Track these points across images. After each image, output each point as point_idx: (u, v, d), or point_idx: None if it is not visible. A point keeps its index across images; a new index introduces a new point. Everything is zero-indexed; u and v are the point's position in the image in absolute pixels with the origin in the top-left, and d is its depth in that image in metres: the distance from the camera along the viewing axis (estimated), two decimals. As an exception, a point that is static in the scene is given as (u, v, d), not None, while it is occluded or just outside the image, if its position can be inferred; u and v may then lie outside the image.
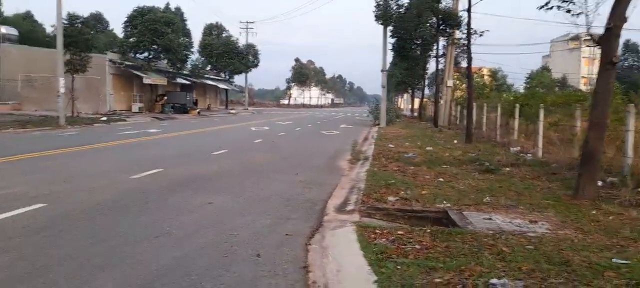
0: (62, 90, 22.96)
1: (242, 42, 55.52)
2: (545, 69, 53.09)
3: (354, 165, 11.11)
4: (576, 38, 76.60)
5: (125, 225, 5.16)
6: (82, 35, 27.04)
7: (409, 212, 6.15)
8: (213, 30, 55.38)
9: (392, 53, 36.22)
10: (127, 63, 35.50)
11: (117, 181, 7.82)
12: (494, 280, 3.61)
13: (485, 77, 46.58)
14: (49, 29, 59.41)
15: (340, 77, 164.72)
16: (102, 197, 6.55)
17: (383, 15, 26.11)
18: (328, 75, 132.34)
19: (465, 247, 4.41)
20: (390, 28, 28.08)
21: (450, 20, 24.29)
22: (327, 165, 11.03)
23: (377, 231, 4.97)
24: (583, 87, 58.72)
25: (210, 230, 5.09)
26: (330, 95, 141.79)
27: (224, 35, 55.14)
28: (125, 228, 5.00)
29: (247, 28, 59.16)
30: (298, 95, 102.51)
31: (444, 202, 6.60)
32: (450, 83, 27.59)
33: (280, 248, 4.58)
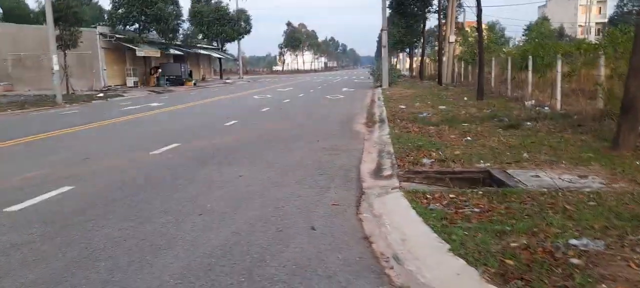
0: (56, 67, 22.31)
1: (232, 8, 54.19)
2: (544, 18, 52.22)
3: (371, 128, 10.87)
4: (572, -14, 75.77)
5: (163, 203, 4.91)
6: (70, 9, 26.12)
7: (449, 173, 5.94)
8: (202, -2, 53.83)
9: (389, 11, 35.48)
10: (118, 36, 34.54)
11: (137, 158, 7.54)
12: (573, 241, 3.42)
13: (485, 32, 45.87)
14: (32, 5, 57.90)
15: (332, 39, 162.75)
16: (129, 175, 6.29)
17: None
18: (320, 39, 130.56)
19: (526, 208, 4.21)
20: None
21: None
22: (345, 130, 10.77)
23: (428, 196, 4.76)
24: (580, 36, 58.18)
25: (251, 204, 4.86)
26: (323, 59, 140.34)
27: (213, 1, 53.67)
28: (165, 207, 4.76)
29: (237, -7, 57.65)
30: (291, 60, 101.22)
31: (481, 161, 6.38)
32: (452, 39, 27.08)
33: (332, 219, 4.37)
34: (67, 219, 4.44)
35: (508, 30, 48.81)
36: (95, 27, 33.48)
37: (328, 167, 6.68)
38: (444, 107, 14.26)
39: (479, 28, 15.61)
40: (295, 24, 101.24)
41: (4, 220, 4.51)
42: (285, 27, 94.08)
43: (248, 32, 53.92)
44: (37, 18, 45.43)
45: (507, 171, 5.69)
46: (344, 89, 28.20)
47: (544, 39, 40.75)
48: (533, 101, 14.08)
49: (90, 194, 5.35)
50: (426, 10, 32.66)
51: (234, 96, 25.16)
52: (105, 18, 45.04)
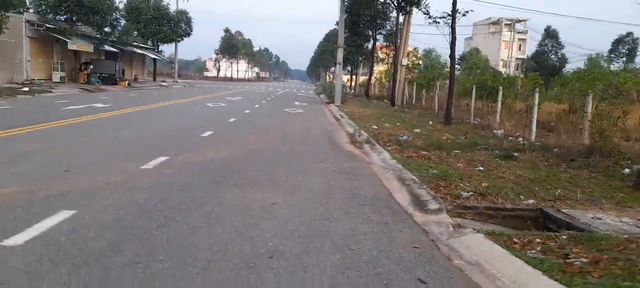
0: (-22, 54, 19.51)
1: (172, 7, 51.61)
2: (477, 50, 55.51)
3: (361, 149, 10.44)
4: (497, 22, 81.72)
5: (207, 239, 4.04)
6: (-3, -9, 23.16)
7: (501, 210, 5.61)
8: (140, -7, 50.67)
9: (337, 27, 35.59)
10: (48, 25, 31.27)
11: (131, 173, 6.43)
12: None
13: (422, 59, 47.73)
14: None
15: (266, 50, 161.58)
16: (137, 196, 5.25)
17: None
18: (255, 48, 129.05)
19: (633, 259, 3.93)
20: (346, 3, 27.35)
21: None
22: (336, 149, 10.22)
23: (516, 239, 4.36)
24: (502, 69, 62.67)
25: (319, 243, 4.16)
26: (256, 69, 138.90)
27: (152, -1, 50.71)
28: (215, 246, 3.90)
29: (177, -7, 55.12)
30: (226, 67, 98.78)
31: (521, 196, 6.15)
32: (405, 61, 27.60)
33: (426, 266, 3.81)
34: (91, 258, 3.45)
35: (442, 58, 51.05)
36: (22, 14, 29.98)
37: (359, 194, 6.09)
38: (418, 130, 14.22)
39: (451, 55, 15.86)
40: (232, 30, 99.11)
41: (10, 259, 3.42)
42: (222, 33, 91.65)
43: (188, 34, 51.52)
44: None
45: (562, 210, 5.47)
46: (296, 103, 27.64)
47: (478, 69, 43.26)
48: (502, 130, 14.50)
49: (103, 222, 4.31)
50: (377, 32, 33.18)
51: (183, 101, 23.59)
52: (27, 3, 40.88)
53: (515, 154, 9.98)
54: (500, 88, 15.05)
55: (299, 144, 10.60)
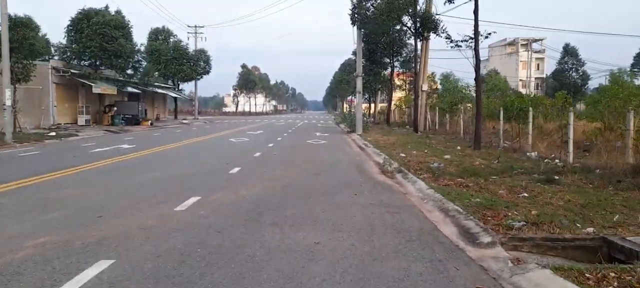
0: (8, 102, 20.05)
1: (191, 47, 52.82)
2: (495, 72, 55.06)
3: (395, 179, 10.13)
4: (512, 43, 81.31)
5: (253, 286, 3.78)
6: (26, 40, 23.91)
7: (560, 241, 5.22)
8: (159, 35, 52.10)
9: (352, 57, 35.77)
10: (73, 71, 32.14)
11: (164, 216, 6.25)
12: None
13: (436, 84, 47.49)
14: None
15: (282, 82, 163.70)
16: (175, 240, 5.04)
17: (359, 18, 25.40)
18: (271, 82, 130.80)
19: None
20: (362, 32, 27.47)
21: (428, 22, 24.02)
22: (368, 180, 9.93)
23: (588, 274, 3.98)
24: (521, 90, 61.90)
25: (372, 287, 3.85)
26: (273, 102, 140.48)
27: (171, 39, 52.04)
28: (268, 294, 3.64)
29: (195, 32, 56.52)
30: (244, 102, 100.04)
31: (577, 224, 5.75)
32: (425, 87, 27.37)
33: (496, 309, 3.46)
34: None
35: (461, 82, 50.57)
36: (48, 61, 30.93)
37: (404, 229, 5.78)
38: (448, 156, 13.84)
39: (477, 77, 15.57)
40: (248, 65, 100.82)
41: (52, 318, 3.21)
42: (239, 69, 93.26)
43: (207, 72, 52.52)
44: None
45: (628, 239, 5.06)
46: (318, 134, 27.51)
47: (498, 91, 42.70)
48: (535, 153, 14.01)
49: (144, 272, 4.09)
50: (395, 59, 33.15)
51: (206, 138, 23.70)
52: (53, 51, 42.29)
53: (556, 177, 9.52)
54: (531, 108, 14.63)
55: (330, 176, 10.34)
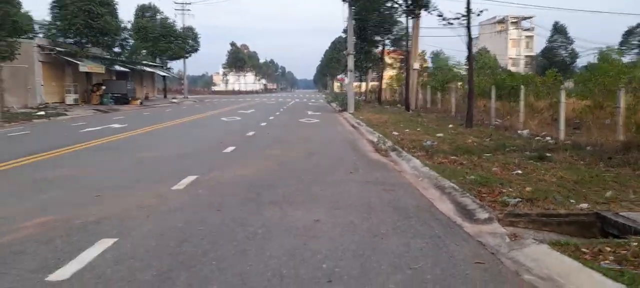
0: (-5, 81, 19.64)
1: (179, 24, 52.03)
2: (485, 50, 55.11)
3: (389, 157, 10.20)
4: (502, 21, 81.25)
5: (259, 263, 3.83)
6: (9, 17, 23.31)
7: (555, 216, 5.33)
8: (146, 12, 51.13)
9: (343, 35, 35.54)
10: (58, 49, 31.52)
11: (163, 195, 6.25)
12: None
13: (428, 61, 47.48)
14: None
15: (272, 61, 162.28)
16: (174, 219, 5.06)
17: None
18: (261, 60, 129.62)
19: None
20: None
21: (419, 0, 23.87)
22: (363, 159, 9.99)
23: (584, 249, 4.09)
24: (512, 68, 62.13)
25: (375, 265, 3.92)
26: (263, 81, 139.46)
27: (158, 17, 51.13)
28: (270, 270, 3.69)
29: (183, 10, 55.64)
30: (234, 80, 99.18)
31: (570, 200, 5.87)
32: (416, 65, 27.34)
33: (498, 284, 3.57)
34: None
35: (452, 60, 50.39)
36: (33, 39, 30.26)
37: (401, 206, 5.85)
38: (440, 134, 13.93)
39: (469, 56, 15.59)
40: (238, 44, 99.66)
41: (60, 296, 3.23)
42: (228, 47, 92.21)
43: (196, 50, 51.88)
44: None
45: (621, 214, 5.18)
46: (310, 113, 27.47)
47: (488, 69, 42.78)
48: (526, 130, 14.16)
49: (147, 250, 4.11)
50: (386, 37, 33.01)
51: (197, 117, 23.54)
52: (36, 29, 41.32)
53: (548, 155, 9.65)
54: (522, 87, 14.72)
55: (324, 155, 10.38)
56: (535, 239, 4.48)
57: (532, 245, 4.29)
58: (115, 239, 4.39)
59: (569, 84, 32.69)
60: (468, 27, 15.13)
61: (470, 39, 15.26)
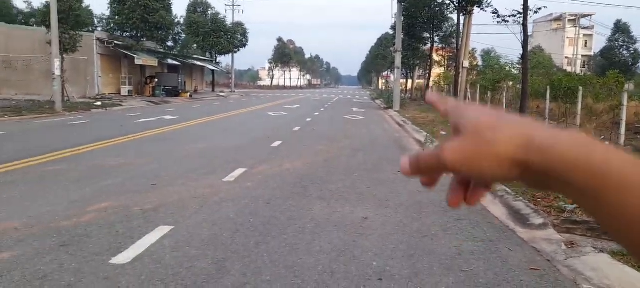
0: (57, 72, 20.89)
1: (229, 20, 53.22)
2: (540, 49, 52.93)
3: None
4: (559, 18, 77.65)
5: (307, 257, 3.88)
6: (73, 11, 24.68)
7: (616, 225, 5.07)
8: (198, 8, 52.63)
9: (391, 32, 35.12)
10: (116, 42, 33.03)
11: (214, 186, 6.45)
12: None
13: (478, 59, 46.14)
14: (20, 5, 55.48)
15: (317, 57, 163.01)
16: (226, 209, 5.22)
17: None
18: (306, 56, 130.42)
19: None
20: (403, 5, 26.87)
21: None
22: (410, 158, 9.86)
23: (650, 261, 3.87)
24: (568, 68, 59.33)
25: (422, 263, 3.88)
26: (308, 76, 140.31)
27: (209, 12, 52.50)
28: (312, 262, 3.73)
29: (233, 5, 56.77)
30: (280, 76, 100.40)
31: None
32: (466, 64, 26.62)
33: (554, 291, 3.43)
34: (200, 279, 3.36)
35: (505, 59, 48.63)
36: (93, 32, 31.89)
37: (449, 207, 5.73)
38: (490, 135, 13.53)
39: (524, 55, 15.04)
40: (284, 39, 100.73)
41: (123, 278, 3.40)
42: (275, 43, 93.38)
43: (244, 45, 52.90)
44: (26, 19, 43.56)
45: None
46: (354, 109, 27.40)
47: (543, 69, 41.08)
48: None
49: (202, 239, 4.26)
50: (435, 34, 32.37)
51: (245, 111, 24.03)
52: (95, 23, 43.46)
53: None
54: (580, 88, 14.04)
55: (370, 152, 10.34)
56: (595, 248, 4.29)
57: (592, 254, 4.11)
58: (172, 227, 4.57)
59: (630, 86, 30.91)
60: (524, 25, 14.61)
61: (526, 37, 14.73)
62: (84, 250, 3.94)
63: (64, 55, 24.90)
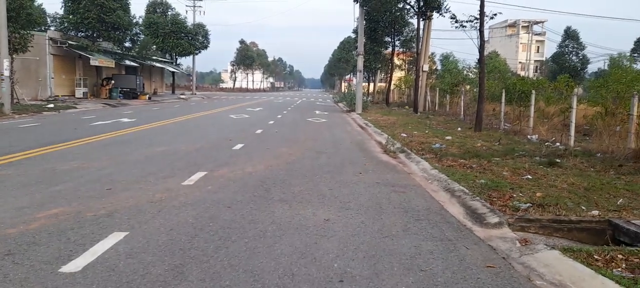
0: (6, 73, 19.90)
1: (190, 21, 52.24)
2: (495, 54, 54.81)
3: (398, 159, 10.17)
4: (513, 25, 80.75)
5: (267, 260, 3.83)
6: (23, 9, 23.51)
7: (566, 222, 5.29)
8: (157, 8, 51.40)
9: (352, 35, 35.47)
10: (70, 43, 31.75)
11: (172, 190, 6.28)
12: None
13: (437, 63, 47.33)
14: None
15: (280, 60, 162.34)
16: (185, 214, 5.08)
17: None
18: (269, 58, 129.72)
19: None
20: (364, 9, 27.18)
21: (432, 1, 23.79)
22: (371, 159, 9.97)
23: (596, 256, 4.05)
24: (521, 73, 61.73)
25: (386, 264, 3.92)
26: (270, 79, 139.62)
27: (169, 13, 51.37)
28: (272, 266, 3.69)
29: (194, 6, 55.78)
30: (242, 78, 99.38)
31: (581, 207, 5.82)
32: (426, 67, 27.25)
33: (508, 288, 3.54)
34: (157, 286, 3.27)
35: (462, 63, 49.99)
36: (46, 32, 30.52)
37: (411, 208, 5.84)
38: (449, 137, 13.88)
39: (480, 59, 15.51)
40: (247, 41, 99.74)
41: None
42: (237, 44, 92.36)
43: (205, 47, 52.02)
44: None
45: (634, 222, 5.13)
46: (317, 112, 27.48)
47: (498, 73, 42.55)
48: (536, 135, 14.08)
49: (158, 245, 4.13)
50: (396, 38, 32.91)
51: (206, 114, 23.61)
52: (48, 22, 41.63)
53: (558, 160, 9.58)
54: (533, 91, 14.62)
55: (333, 155, 10.38)
56: (547, 245, 4.46)
57: (544, 251, 4.26)
58: (127, 233, 4.41)
59: (579, 90, 32.49)
60: (480, 30, 15.06)
61: (482, 42, 15.18)
62: (31, 258, 3.74)
63: (14, 56, 23.71)
